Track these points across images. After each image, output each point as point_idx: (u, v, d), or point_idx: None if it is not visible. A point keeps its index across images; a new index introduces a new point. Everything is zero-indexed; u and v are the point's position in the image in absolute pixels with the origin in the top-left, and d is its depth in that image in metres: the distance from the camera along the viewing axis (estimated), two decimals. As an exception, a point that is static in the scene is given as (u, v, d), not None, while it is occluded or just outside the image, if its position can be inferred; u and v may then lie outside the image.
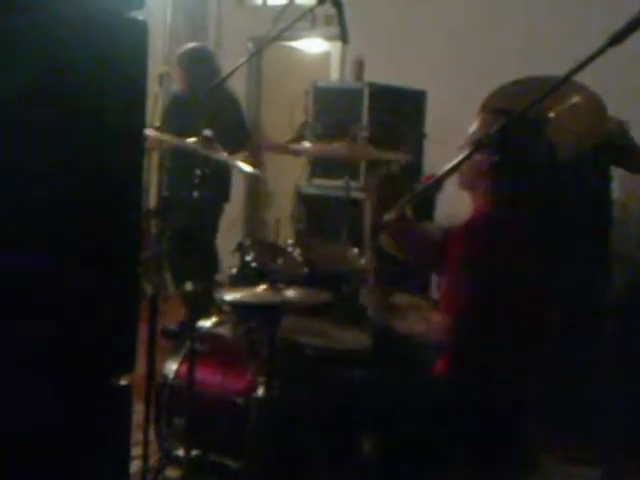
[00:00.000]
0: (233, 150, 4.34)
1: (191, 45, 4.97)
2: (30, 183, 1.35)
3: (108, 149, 1.55)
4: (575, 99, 3.41)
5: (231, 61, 6.15)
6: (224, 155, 2.81)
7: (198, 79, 4.49)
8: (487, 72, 4.62)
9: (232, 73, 3.58)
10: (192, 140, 2.77)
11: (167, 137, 3.06)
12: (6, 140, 1.32)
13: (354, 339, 2.77)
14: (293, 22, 3.57)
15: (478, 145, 2.25)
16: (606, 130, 3.47)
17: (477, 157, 2.32)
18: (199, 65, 4.65)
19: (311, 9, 3.80)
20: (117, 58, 1.58)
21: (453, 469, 2.29)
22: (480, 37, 5.36)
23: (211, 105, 4.07)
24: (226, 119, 4.38)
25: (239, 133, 4.72)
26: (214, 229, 4.70)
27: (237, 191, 5.68)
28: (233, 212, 5.39)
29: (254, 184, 6.36)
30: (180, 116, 4.27)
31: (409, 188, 3.20)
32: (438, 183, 2.30)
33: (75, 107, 1.48)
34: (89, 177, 1.50)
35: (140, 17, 1.61)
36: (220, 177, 4.51)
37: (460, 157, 2.24)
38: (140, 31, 1.64)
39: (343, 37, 3.02)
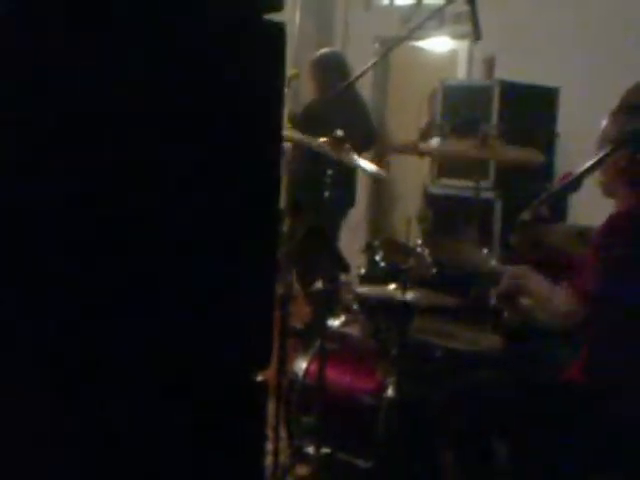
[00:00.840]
0: (359, 151, 4.32)
1: (323, 51, 5.01)
2: (177, 183, 1.39)
3: (247, 149, 1.57)
4: None
5: (358, 62, 6.18)
6: (354, 156, 2.82)
7: (330, 85, 4.51)
8: (623, 68, 4.46)
9: (361, 75, 3.59)
10: (322, 140, 2.80)
11: (300, 137, 3.09)
12: (154, 139, 1.36)
13: (484, 341, 2.72)
14: (423, 21, 3.55)
15: (618, 142, 2.17)
16: None
17: (615, 156, 2.23)
18: (331, 72, 4.68)
19: (441, 8, 3.77)
20: (255, 62, 1.59)
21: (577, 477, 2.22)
22: (616, 31, 5.18)
23: (341, 108, 4.09)
24: (356, 121, 4.40)
25: (366, 135, 4.72)
26: (338, 231, 4.73)
27: (360, 192, 5.70)
28: (357, 213, 5.41)
29: (378, 185, 6.35)
30: (313, 123, 4.26)
31: (543, 188, 3.13)
32: (575, 183, 2.23)
33: (213, 109, 1.51)
34: (227, 176, 1.53)
35: (277, 19, 1.63)
36: (347, 180, 4.52)
37: (599, 155, 2.17)
38: (278, 34, 1.65)
39: (475, 34, 2.98)
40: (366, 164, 3.11)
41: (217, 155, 1.49)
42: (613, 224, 2.24)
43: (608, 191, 2.34)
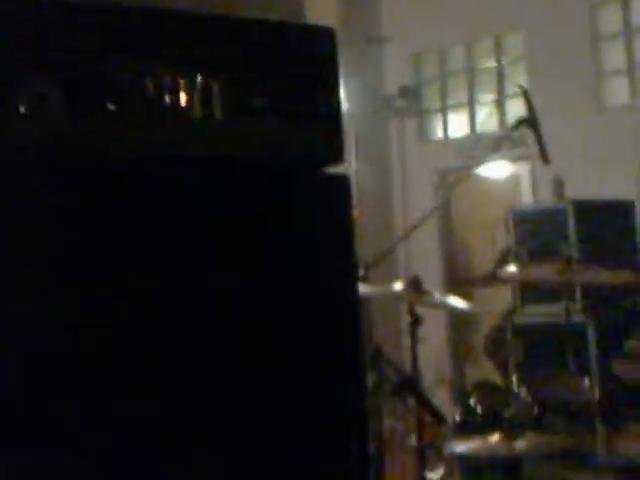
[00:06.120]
0: None
1: None
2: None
3: (324, 300, 1.52)
4: None
5: (418, 195, 6.14)
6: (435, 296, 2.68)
7: None
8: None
9: (425, 219, 3.46)
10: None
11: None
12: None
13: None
14: (484, 155, 3.47)
15: None
16: None
17: None
18: None
19: (501, 139, 3.70)
20: (323, 214, 1.55)
21: None
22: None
23: None
24: None
25: None
26: None
27: (441, 326, 5.51)
28: (439, 348, 5.20)
29: (457, 320, 6.12)
30: None
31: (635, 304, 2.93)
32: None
33: (288, 263, 1.48)
34: (305, 324, 1.48)
35: (341, 171, 1.59)
36: None
37: None
38: (343, 186, 1.61)
39: (543, 158, 2.86)
40: (453, 300, 2.95)
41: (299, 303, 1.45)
42: None
43: None
